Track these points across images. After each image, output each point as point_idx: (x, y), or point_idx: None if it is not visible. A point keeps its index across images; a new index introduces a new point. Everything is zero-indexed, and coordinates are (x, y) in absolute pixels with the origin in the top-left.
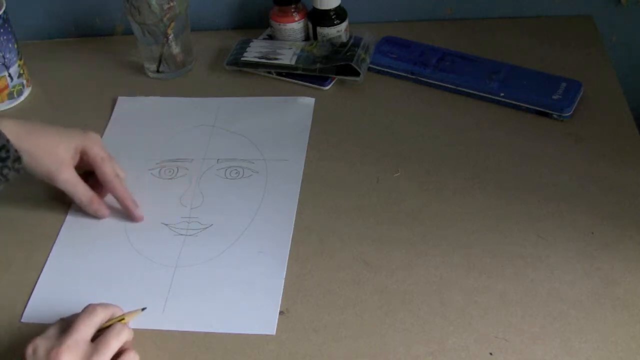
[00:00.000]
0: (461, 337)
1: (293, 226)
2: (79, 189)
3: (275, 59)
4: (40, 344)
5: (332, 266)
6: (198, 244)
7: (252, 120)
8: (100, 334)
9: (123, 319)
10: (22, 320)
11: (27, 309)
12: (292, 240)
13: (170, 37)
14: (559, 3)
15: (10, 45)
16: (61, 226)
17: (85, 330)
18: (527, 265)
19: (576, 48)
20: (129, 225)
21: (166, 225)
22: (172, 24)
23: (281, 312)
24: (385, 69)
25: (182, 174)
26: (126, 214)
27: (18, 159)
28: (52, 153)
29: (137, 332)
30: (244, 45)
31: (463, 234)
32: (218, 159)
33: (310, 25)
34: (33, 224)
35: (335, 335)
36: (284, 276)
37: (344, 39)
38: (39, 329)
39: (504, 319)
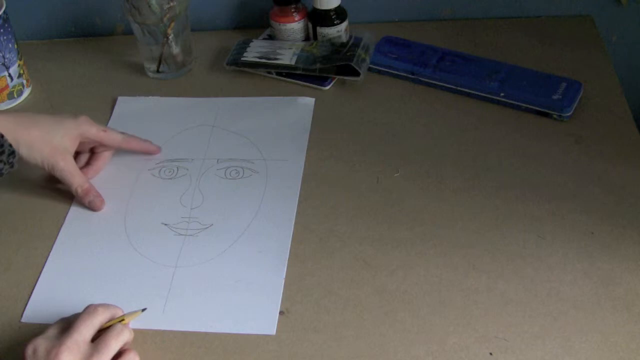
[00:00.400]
0: (461, 337)
1: (293, 226)
2: (76, 179)
3: (275, 59)
4: (40, 344)
5: (332, 266)
6: (198, 244)
7: (252, 120)
8: (100, 334)
9: (123, 319)
10: (22, 320)
11: (27, 309)
12: (292, 240)
13: (170, 37)
14: (559, 3)
15: (10, 45)
16: (61, 226)
17: (85, 330)
18: (527, 265)
19: (576, 48)
20: (129, 225)
21: (166, 225)
22: (172, 24)
23: (281, 312)
24: (385, 69)
25: (182, 173)
26: (147, 154)
27: (12, 153)
28: (48, 143)
29: (137, 332)
30: (244, 45)
31: (463, 234)
32: (218, 159)
33: (310, 25)
34: (33, 223)
35: (335, 335)
36: (284, 276)
37: (344, 39)
38: (39, 329)
39: (504, 319)
